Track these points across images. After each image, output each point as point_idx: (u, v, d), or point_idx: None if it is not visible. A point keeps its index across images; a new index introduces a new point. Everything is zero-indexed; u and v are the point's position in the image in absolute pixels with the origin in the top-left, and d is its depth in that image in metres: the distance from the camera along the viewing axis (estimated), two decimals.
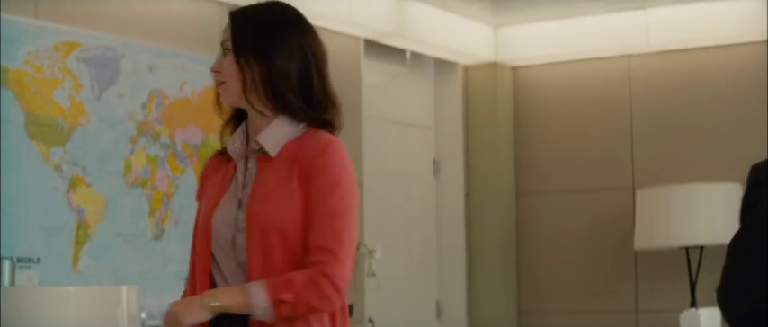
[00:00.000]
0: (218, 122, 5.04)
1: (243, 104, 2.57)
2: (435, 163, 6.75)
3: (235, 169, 2.62)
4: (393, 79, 6.58)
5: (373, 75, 6.20)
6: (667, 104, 6.42)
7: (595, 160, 6.55)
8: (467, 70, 6.76)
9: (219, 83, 2.58)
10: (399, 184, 6.48)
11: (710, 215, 5.72)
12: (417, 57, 6.68)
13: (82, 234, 4.50)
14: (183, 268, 4.92)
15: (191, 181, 4.91)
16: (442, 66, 6.79)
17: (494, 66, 6.70)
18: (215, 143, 5.08)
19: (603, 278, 6.49)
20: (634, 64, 6.50)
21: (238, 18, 2.59)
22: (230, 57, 2.57)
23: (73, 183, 4.49)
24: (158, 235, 4.81)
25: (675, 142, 6.38)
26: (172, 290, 4.87)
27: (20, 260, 4.27)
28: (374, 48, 6.18)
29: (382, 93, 6.34)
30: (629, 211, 6.39)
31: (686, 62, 6.39)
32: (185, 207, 4.90)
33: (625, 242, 6.38)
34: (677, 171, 6.31)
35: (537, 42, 6.68)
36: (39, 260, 4.34)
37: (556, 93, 6.72)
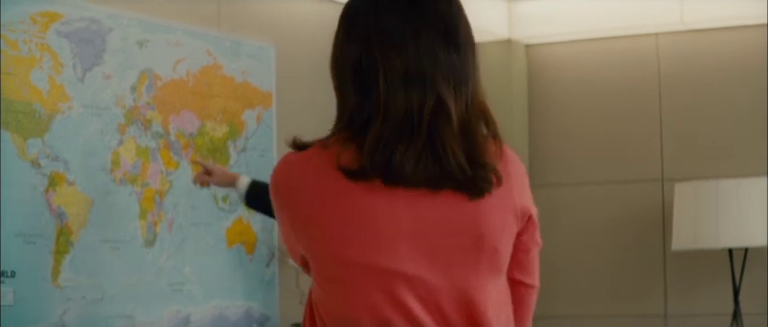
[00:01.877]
0: (215, 107, 4.40)
1: None
2: None
3: None
4: None
5: None
6: (701, 87, 5.80)
7: (619, 148, 5.90)
8: (478, 48, 6.06)
9: None
10: None
11: (762, 213, 5.12)
12: None
13: (63, 241, 3.79)
14: (178, 278, 4.28)
15: (185, 176, 4.22)
16: None
17: (507, 44, 6.03)
18: (212, 131, 4.45)
19: (628, 279, 5.86)
20: (663, 42, 5.88)
21: None
22: None
23: (53, 181, 3.77)
24: (150, 241, 4.11)
25: (711, 130, 5.76)
26: (165, 305, 4.22)
27: None
28: None
29: None
30: (656, 205, 5.78)
31: (720, 41, 5.77)
32: (180, 207, 4.22)
33: (652, 240, 5.78)
34: (712, 162, 5.70)
35: (554, 18, 5.99)
36: (13, 274, 3.63)
37: (575, 75, 6.06)
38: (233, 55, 4.48)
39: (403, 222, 1.82)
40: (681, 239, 5.33)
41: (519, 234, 1.94)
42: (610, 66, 5.98)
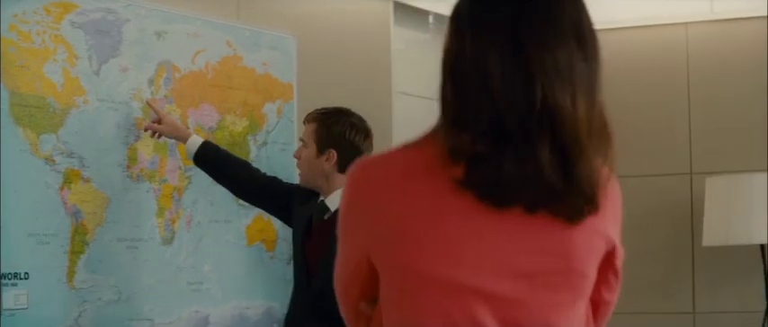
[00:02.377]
0: (235, 100, 4.25)
1: None
2: None
3: None
4: (414, 47, 5.73)
5: (396, 41, 5.35)
6: (731, 78, 5.63)
7: (647, 141, 5.73)
8: None
9: None
10: None
11: None
12: (442, 21, 5.85)
13: (78, 241, 3.64)
14: (197, 277, 4.14)
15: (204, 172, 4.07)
16: None
17: None
18: (231, 125, 4.30)
19: (656, 275, 5.69)
20: (692, 32, 5.70)
21: None
22: None
23: (67, 178, 3.63)
24: (168, 239, 3.96)
25: (741, 122, 5.59)
26: (184, 304, 4.07)
27: (3, 276, 3.42)
28: (402, 11, 5.34)
29: (402, 63, 5.48)
30: (685, 199, 5.62)
31: (751, 31, 5.60)
32: (199, 204, 4.07)
33: (681, 234, 5.62)
34: (742, 155, 5.53)
35: None
36: (26, 276, 3.49)
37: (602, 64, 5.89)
38: (253, 46, 4.33)
39: (490, 237, 1.67)
40: (712, 235, 5.17)
41: (603, 260, 1.79)
42: (638, 55, 5.81)
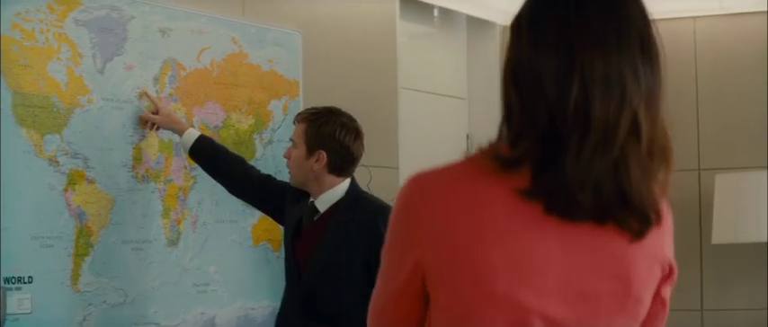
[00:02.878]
0: (240, 97, 4.17)
1: None
2: (468, 138, 5.87)
3: None
4: (419, 41, 5.66)
5: (401, 35, 5.28)
6: (739, 73, 5.57)
7: None
8: (505, 31, 5.84)
9: None
10: (429, 162, 5.54)
11: None
12: (448, 15, 5.78)
13: (83, 243, 3.58)
14: (203, 278, 4.07)
15: None
16: (476, 25, 5.89)
17: None
18: (237, 123, 4.22)
19: None
20: (700, 26, 5.64)
21: None
22: None
23: (71, 179, 3.56)
24: (174, 241, 3.89)
25: (750, 117, 5.54)
26: (190, 306, 4.00)
27: (7, 280, 3.35)
28: (407, 5, 5.27)
29: (407, 57, 5.41)
30: (693, 196, 5.56)
31: (760, 25, 5.53)
32: (204, 204, 4.00)
33: (689, 231, 5.56)
34: (751, 151, 5.48)
35: None
36: (30, 280, 3.42)
37: None
38: (259, 42, 4.25)
39: (557, 256, 1.60)
40: (721, 232, 5.11)
41: (657, 286, 1.72)
42: None
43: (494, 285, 1.58)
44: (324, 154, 3.65)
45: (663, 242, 1.70)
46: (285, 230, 3.85)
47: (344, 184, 3.71)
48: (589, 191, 1.57)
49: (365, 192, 3.78)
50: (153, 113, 3.76)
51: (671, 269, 1.73)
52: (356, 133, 3.71)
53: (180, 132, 3.82)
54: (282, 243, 3.92)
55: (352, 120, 3.73)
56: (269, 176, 3.95)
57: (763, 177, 5.04)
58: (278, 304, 4.29)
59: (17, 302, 3.37)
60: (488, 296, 1.59)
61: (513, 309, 1.59)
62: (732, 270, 5.49)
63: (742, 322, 5.47)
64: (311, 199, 3.74)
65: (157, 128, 3.81)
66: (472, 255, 1.59)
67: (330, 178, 3.68)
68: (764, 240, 5.02)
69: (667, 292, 1.75)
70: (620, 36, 1.59)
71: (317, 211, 3.71)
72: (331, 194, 3.69)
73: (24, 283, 3.40)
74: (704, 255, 5.44)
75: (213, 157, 3.86)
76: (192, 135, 3.82)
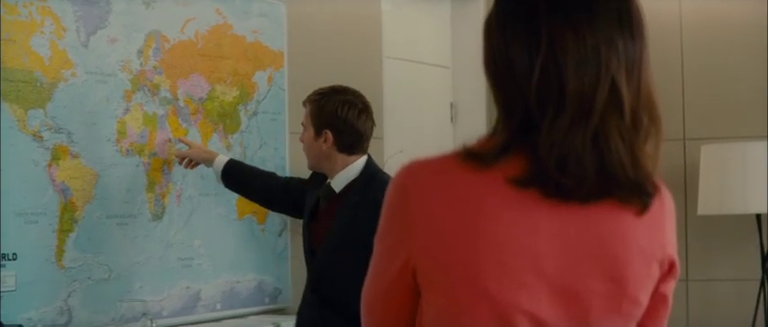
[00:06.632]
0: (225, 69, 4.13)
1: None
2: (452, 106, 5.84)
3: None
4: (404, 10, 5.61)
5: (384, 5, 5.23)
6: (724, 45, 5.55)
7: None
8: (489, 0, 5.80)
9: None
10: (413, 131, 5.53)
11: None
12: None
13: (67, 219, 3.54)
14: (187, 252, 4.04)
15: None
16: None
17: None
18: (222, 94, 4.18)
19: None
20: (686, 6, 5.61)
21: None
22: None
23: (55, 155, 3.51)
24: (158, 215, 3.86)
25: (736, 89, 5.52)
26: (175, 281, 3.97)
27: None
28: None
29: (392, 27, 5.36)
30: (678, 166, 5.55)
31: (742, 4, 5.51)
32: (189, 178, 3.96)
33: (674, 201, 5.54)
34: (736, 122, 5.47)
35: None
36: (14, 257, 3.38)
37: None
38: (243, 13, 4.20)
39: (551, 253, 1.57)
40: (707, 204, 5.11)
41: (657, 283, 1.69)
42: None
43: (485, 284, 1.56)
44: (329, 134, 3.59)
45: (664, 237, 1.67)
46: (304, 215, 3.79)
47: (359, 163, 3.63)
48: (572, 167, 1.54)
49: (380, 170, 3.70)
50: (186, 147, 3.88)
51: (671, 266, 1.70)
52: (361, 109, 3.63)
53: (211, 161, 3.88)
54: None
55: (358, 97, 3.64)
56: (290, 179, 3.95)
57: (749, 148, 5.03)
58: (263, 277, 4.28)
59: (2, 279, 3.34)
60: (480, 295, 1.56)
61: (502, 308, 1.56)
62: (718, 241, 5.49)
63: (727, 292, 5.48)
64: (328, 181, 3.68)
65: (194, 165, 3.88)
66: (464, 254, 1.56)
67: (341, 157, 3.62)
68: (751, 212, 5.01)
69: (668, 288, 1.72)
70: (593, 13, 1.57)
71: (333, 192, 3.65)
72: (345, 174, 3.62)
73: (8, 260, 3.36)
74: (689, 226, 5.43)
75: (245, 177, 3.89)
76: (222, 160, 3.87)
